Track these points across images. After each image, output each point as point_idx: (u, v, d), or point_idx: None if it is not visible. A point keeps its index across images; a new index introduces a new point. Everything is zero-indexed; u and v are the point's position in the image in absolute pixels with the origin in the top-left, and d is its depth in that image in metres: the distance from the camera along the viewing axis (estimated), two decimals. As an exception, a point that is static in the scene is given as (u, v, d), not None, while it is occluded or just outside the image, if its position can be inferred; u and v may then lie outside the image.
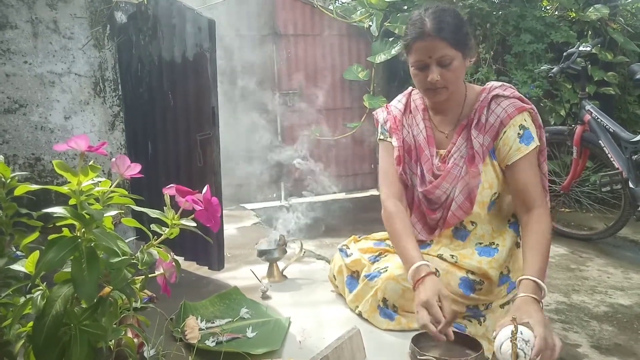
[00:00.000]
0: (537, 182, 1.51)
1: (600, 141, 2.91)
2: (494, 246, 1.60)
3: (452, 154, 1.61)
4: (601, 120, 2.92)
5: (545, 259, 1.39)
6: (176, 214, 0.92)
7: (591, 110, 2.98)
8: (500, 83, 1.63)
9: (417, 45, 1.49)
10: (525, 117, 1.54)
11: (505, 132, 1.53)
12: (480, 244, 1.62)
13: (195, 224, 0.91)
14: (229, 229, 3.24)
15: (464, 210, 1.59)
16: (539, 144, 1.55)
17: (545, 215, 1.46)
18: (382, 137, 1.76)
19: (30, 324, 0.78)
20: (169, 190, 0.92)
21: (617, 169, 2.82)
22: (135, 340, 1.15)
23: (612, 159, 2.85)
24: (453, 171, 1.59)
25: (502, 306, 1.66)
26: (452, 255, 1.60)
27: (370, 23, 4.33)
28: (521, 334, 1.17)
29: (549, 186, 1.73)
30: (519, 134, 1.52)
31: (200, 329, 1.66)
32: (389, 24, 4.19)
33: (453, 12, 1.54)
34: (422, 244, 1.73)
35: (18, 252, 0.92)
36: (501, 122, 1.53)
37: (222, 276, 2.31)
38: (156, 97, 2.44)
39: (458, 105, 1.62)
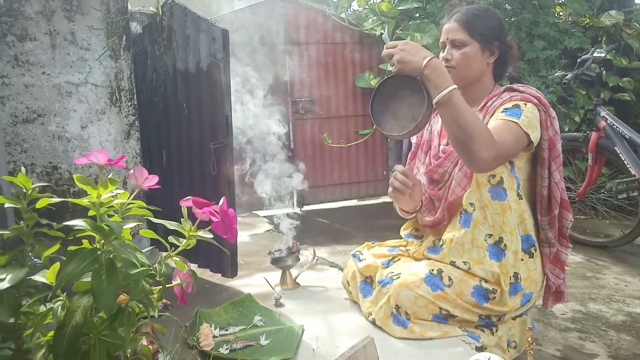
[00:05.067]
0: (495, 131, 1.45)
1: (616, 148, 2.88)
2: (502, 245, 1.58)
3: None
4: (617, 127, 2.90)
5: (463, 112, 1.40)
6: (193, 225, 0.93)
7: (606, 116, 2.95)
8: (525, 85, 1.66)
9: (443, 27, 1.68)
10: (528, 105, 1.54)
11: (499, 109, 1.56)
12: (490, 236, 1.58)
13: (212, 236, 0.93)
14: (242, 236, 3.26)
15: (462, 186, 1.62)
16: (524, 128, 1.48)
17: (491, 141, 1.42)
18: None
19: (51, 333, 0.80)
20: (186, 202, 0.93)
21: (634, 175, 2.79)
22: (151, 347, 1.16)
23: (628, 166, 2.82)
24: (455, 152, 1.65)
25: (514, 318, 1.64)
26: (465, 262, 1.59)
27: (382, 31, 4.34)
28: (488, 359, 1.19)
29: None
30: (506, 108, 1.54)
31: (214, 337, 1.67)
32: (400, 32, 4.20)
33: (485, 8, 1.68)
34: (432, 246, 1.73)
35: (37, 261, 0.94)
36: (502, 103, 1.57)
37: (235, 283, 2.32)
38: (171, 106, 2.47)
39: (480, 100, 1.66)
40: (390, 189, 1.73)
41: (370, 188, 4.78)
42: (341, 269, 2.45)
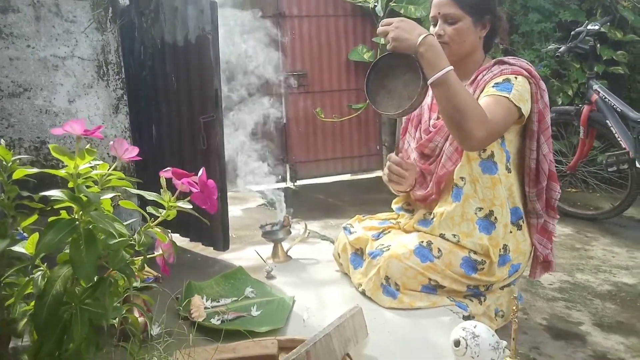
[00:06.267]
0: (487, 109, 1.45)
1: (607, 121, 2.88)
2: (492, 218, 1.59)
3: None
4: (609, 100, 2.89)
5: (458, 92, 1.40)
6: (173, 196, 0.93)
7: (599, 89, 2.94)
8: (516, 57, 1.64)
9: (433, 1, 1.64)
10: (519, 78, 1.53)
11: (489, 83, 1.55)
12: (481, 209, 1.59)
13: (191, 206, 0.93)
14: (234, 211, 3.26)
15: (452, 161, 1.62)
16: (516, 103, 1.48)
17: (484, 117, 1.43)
18: None
19: (33, 303, 0.80)
20: (166, 173, 0.93)
21: (624, 148, 2.80)
22: (141, 319, 1.17)
23: (619, 139, 2.83)
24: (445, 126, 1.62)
25: (502, 288, 1.67)
26: (454, 235, 1.60)
27: (376, 3, 4.27)
28: (474, 327, 1.21)
29: (555, 166, 1.70)
30: (497, 82, 1.53)
31: (205, 308, 1.69)
32: (394, 4, 4.14)
33: None
34: (422, 219, 1.74)
35: (24, 234, 0.95)
36: (492, 77, 1.56)
37: (227, 257, 2.33)
38: (159, 80, 2.44)
39: (470, 73, 1.65)
40: (385, 178, 1.73)
41: (364, 163, 4.77)
42: (333, 242, 2.47)
